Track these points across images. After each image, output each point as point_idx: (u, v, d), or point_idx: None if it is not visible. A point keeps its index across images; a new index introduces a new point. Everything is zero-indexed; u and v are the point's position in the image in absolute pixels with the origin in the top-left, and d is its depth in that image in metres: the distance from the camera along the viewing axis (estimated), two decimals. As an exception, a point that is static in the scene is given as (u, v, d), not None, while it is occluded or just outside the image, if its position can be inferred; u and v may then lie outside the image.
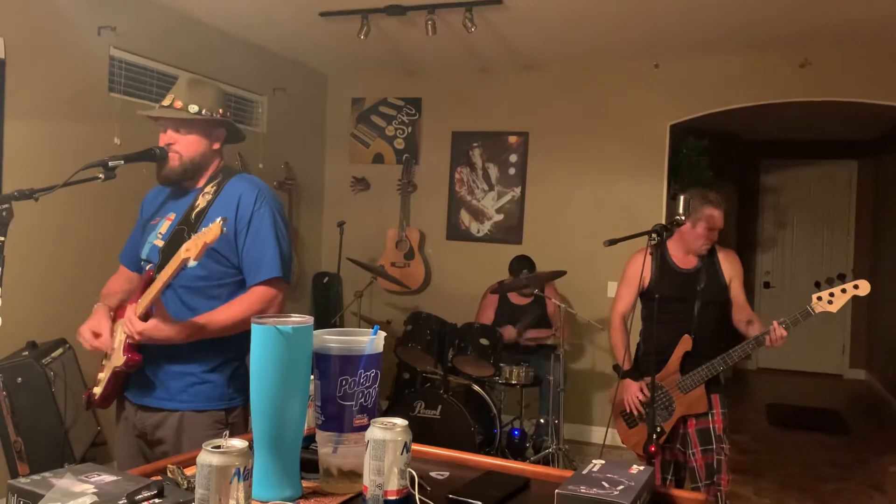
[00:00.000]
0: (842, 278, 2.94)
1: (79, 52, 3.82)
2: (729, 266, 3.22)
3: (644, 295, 3.22)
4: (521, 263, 4.87)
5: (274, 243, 2.04)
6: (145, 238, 2.15)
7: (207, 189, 2.10)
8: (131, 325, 1.88)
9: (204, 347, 2.03)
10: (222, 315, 1.98)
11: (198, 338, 1.97)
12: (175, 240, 2.04)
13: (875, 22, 4.17)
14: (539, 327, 4.73)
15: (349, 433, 1.28)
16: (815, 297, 2.93)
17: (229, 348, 2.07)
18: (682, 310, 3.15)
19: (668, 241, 3.24)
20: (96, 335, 2.01)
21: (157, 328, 1.88)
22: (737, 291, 3.21)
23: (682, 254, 3.21)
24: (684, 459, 3.20)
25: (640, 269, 3.13)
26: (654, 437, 2.84)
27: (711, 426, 3.13)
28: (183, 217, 2.08)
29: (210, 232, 1.67)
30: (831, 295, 2.90)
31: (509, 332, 4.65)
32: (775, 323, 2.95)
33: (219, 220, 1.68)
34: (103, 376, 2.06)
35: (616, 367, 3.29)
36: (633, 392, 3.18)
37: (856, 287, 2.87)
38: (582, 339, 5.34)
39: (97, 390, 2.08)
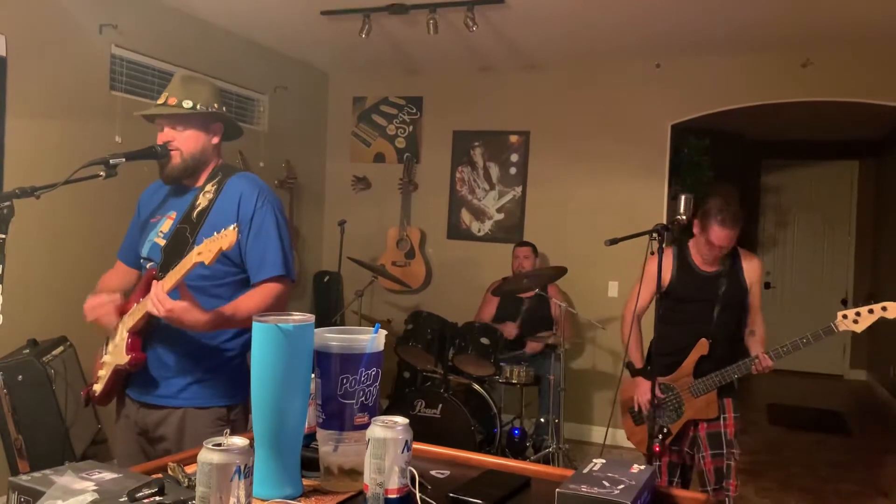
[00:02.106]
0: (870, 298, 2.91)
1: (80, 50, 3.82)
2: (751, 271, 3.15)
3: (663, 295, 3.11)
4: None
5: (277, 241, 2.05)
6: (145, 236, 2.14)
7: (208, 188, 2.10)
8: (160, 302, 1.80)
9: (205, 344, 2.03)
10: (245, 305, 1.97)
11: (223, 328, 1.96)
12: (177, 239, 2.04)
13: (876, 22, 4.17)
14: (540, 329, 4.72)
15: (350, 431, 1.28)
16: (840, 314, 2.88)
17: (231, 345, 2.08)
18: (700, 312, 3.10)
19: (689, 242, 3.18)
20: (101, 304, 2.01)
21: (187, 310, 1.82)
22: (753, 297, 3.17)
23: (702, 256, 3.13)
24: (692, 462, 3.17)
25: (659, 268, 2.95)
26: (660, 437, 2.83)
27: (723, 430, 3.10)
28: (184, 216, 2.08)
29: (225, 238, 1.67)
30: (857, 314, 2.84)
31: (509, 330, 4.65)
32: (762, 355, 2.99)
33: (233, 226, 1.68)
34: (104, 373, 2.06)
35: (629, 365, 3.25)
36: (646, 391, 3.10)
37: (884, 309, 2.80)
38: (582, 339, 5.34)
39: (97, 387, 2.08)
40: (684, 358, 3.12)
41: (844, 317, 2.86)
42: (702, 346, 3.09)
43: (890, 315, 2.79)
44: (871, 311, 2.82)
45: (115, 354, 2.02)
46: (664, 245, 2.85)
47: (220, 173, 2.13)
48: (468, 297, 5.25)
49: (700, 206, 3.06)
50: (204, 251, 1.71)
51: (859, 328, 2.84)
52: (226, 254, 1.99)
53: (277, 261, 2.03)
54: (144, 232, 2.16)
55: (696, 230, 3.08)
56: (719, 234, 2.98)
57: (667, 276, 3.09)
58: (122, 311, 2.04)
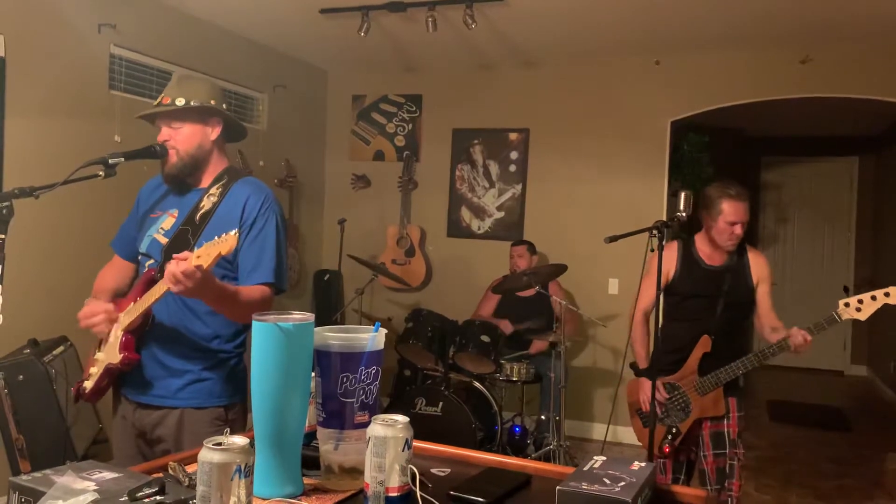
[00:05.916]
0: (871, 284, 2.82)
1: (79, 50, 3.82)
2: (758, 268, 3.06)
3: (667, 290, 3.05)
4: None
5: (273, 249, 2.04)
6: (145, 230, 2.13)
7: (213, 191, 2.09)
8: (183, 263, 1.69)
9: (202, 345, 2.03)
10: (245, 292, 1.96)
11: (224, 304, 1.92)
12: (178, 240, 2.03)
13: (876, 18, 4.16)
14: (542, 328, 4.71)
15: (350, 430, 1.28)
16: (842, 302, 2.75)
17: (227, 346, 2.08)
18: (703, 308, 3.02)
19: (695, 236, 3.11)
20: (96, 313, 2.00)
21: (205, 272, 1.73)
22: (763, 295, 3.06)
23: (709, 250, 3.05)
24: (696, 459, 3.12)
25: (659, 265, 2.85)
26: (670, 437, 2.81)
27: (726, 430, 3.03)
28: (187, 217, 2.07)
29: (226, 243, 1.64)
30: (860, 302, 2.71)
31: (505, 326, 4.64)
32: (796, 329, 2.81)
33: (234, 231, 1.66)
34: (95, 371, 2.05)
35: (633, 365, 3.20)
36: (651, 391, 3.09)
37: (887, 294, 2.67)
38: (583, 336, 5.33)
39: (88, 384, 2.07)
40: (688, 355, 3.05)
41: (847, 305, 2.73)
42: (704, 343, 3.01)
43: (893, 301, 2.66)
44: (873, 298, 2.69)
45: (108, 353, 2.01)
46: (664, 241, 2.80)
47: (227, 176, 2.12)
48: (468, 294, 5.24)
49: (699, 200, 3.01)
50: (203, 255, 1.68)
51: (863, 316, 2.71)
52: (226, 258, 1.98)
53: (271, 267, 2.02)
54: (143, 226, 2.15)
55: (705, 222, 3.01)
56: (735, 207, 2.90)
57: (671, 271, 3.03)
58: (118, 311, 2.04)
